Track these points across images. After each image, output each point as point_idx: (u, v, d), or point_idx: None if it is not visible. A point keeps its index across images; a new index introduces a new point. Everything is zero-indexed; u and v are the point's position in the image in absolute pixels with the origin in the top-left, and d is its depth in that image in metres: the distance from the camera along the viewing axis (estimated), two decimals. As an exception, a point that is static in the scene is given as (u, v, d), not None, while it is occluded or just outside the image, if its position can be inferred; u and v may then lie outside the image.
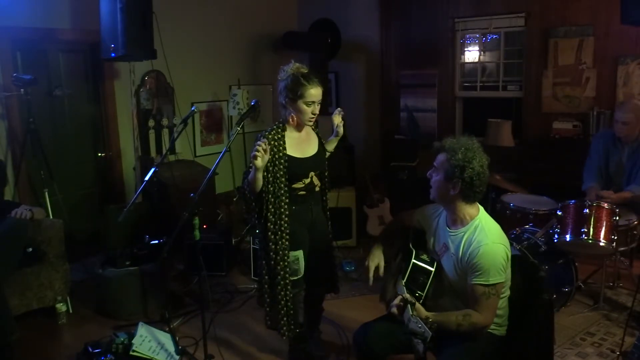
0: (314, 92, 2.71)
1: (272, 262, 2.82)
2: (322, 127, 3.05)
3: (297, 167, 2.78)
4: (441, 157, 2.22)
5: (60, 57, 4.62)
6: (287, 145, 2.77)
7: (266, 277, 2.87)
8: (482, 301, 2.12)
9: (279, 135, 2.76)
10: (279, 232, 2.78)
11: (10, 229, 3.32)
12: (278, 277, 2.82)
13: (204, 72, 5.59)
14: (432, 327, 1.97)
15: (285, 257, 2.80)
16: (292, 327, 2.89)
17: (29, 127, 3.98)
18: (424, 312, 2.13)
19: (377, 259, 2.54)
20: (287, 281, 2.82)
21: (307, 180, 2.83)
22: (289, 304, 2.85)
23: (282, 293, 2.83)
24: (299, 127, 2.83)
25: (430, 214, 2.44)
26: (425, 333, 1.95)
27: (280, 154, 2.74)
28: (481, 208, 2.28)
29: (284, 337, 2.92)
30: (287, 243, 2.80)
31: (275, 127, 2.80)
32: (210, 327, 2.95)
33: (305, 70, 2.75)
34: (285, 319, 2.85)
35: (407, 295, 2.15)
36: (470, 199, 2.21)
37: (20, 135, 4.19)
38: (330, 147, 3.03)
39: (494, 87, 5.71)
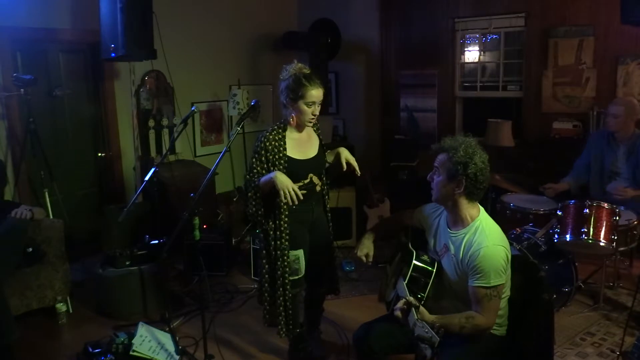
0: (315, 93, 2.71)
1: (272, 261, 2.82)
2: (320, 127, 3.05)
3: (297, 168, 2.78)
4: (442, 156, 2.22)
5: (60, 57, 4.61)
6: (287, 146, 2.77)
7: (266, 275, 2.88)
8: (484, 303, 2.12)
9: (280, 136, 2.77)
10: (279, 232, 2.79)
11: (11, 229, 3.32)
12: (277, 275, 2.82)
13: (204, 72, 5.59)
14: (440, 333, 1.95)
15: (285, 257, 2.80)
16: (291, 326, 2.89)
17: (29, 127, 3.98)
18: (428, 315, 2.12)
19: (366, 249, 2.59)
20: (287, 280, 2.82)
21: (306, 181, 2.83)
22: (288, 303, 2.85)
23: (280, 291, 2.83)
24: (299, 128, 2.83)
25: (430, 213, 2.44)
26: (432, 338, 1.94)
27: (280, 155, 2.74)
28: (482, 209, 2.27)
29: (281, 336, 2.92)
30: (286, 243, 2.80)
31: (276, 127, 2.80)
32: (210, 327, 2.96)
33: (307, 70, 2.75)
34: (283, 318, 2.86)
35: (411, 299, 2.14)
36: (474, 196, 2.20)
37: (20, 135, 4.19)
38: (329, 158, 2.99)
39: (494, 87, 5.71)
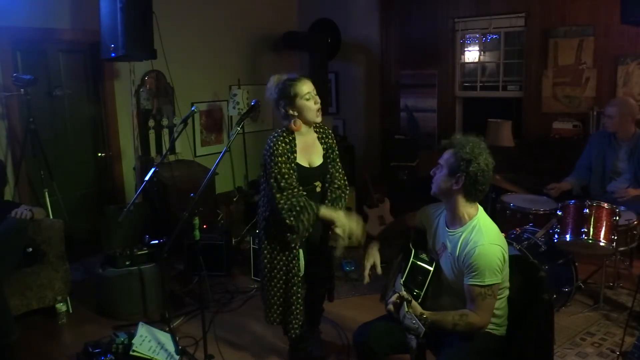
0: (306, 86, 2.71)
1: (282, 261, 2.83)
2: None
3: (304, 175, 2.75)
4: (447, 154, 2.23)
5: (60, 57, 4.61)
6: (297, 149, 2.74)
7: (279, 275, 2.86)
8: (478, 302, 2.13)
9: (289, 139, 2.73)
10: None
11: (11, 229, 3.32)
12: (291, 274, 2.83)
13: (204, 72, 5.59)
14: (426, 323, 1.97)
15: (298, 256, 2.82)
16: (299, 324, 2.90)
17: (29, 127, 3.98)
18: (419, 309, 2.13)
19: (372, 258, 2.56)
20: (298, 279, 2.84)
21: (309, 187, 2.83)
22: (300, 301, 2.87)
23: (293, 290, 2.84)
24: (303, 133, 2.79)
25: (431, 213, 2.44)
26: (419, 329, 1.96)
27: (292, 157, 2.72)
28: (480, 208, 2.27)
29: (293, 335, 2.92)
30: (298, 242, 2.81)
31: (281, 131, 2.76)
32: (210, 327, 2.95)
33: (286, 75, 2.76)
34: (295, 316, 2.88)
35: (404, 293, 2.15)
36: (471, 197, 2.21)
37: (20, 135, 4.19)
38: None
39: (494, 87, 5.71)
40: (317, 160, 2.83)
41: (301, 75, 2.76)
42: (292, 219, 2.63)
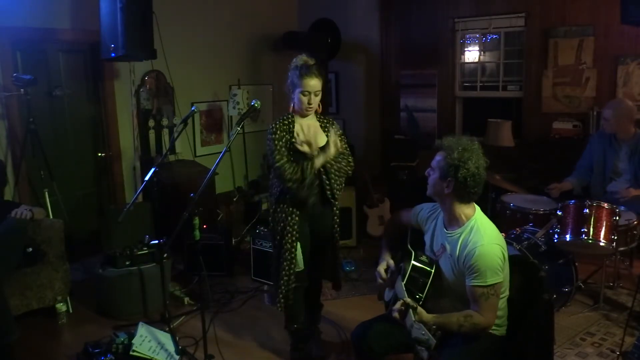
0: (310, 83, 2.80)
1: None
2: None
3: (299, 157, 2.82)
4: (438, 156, 2.24)
5: (60, 57, 4.61)
6: (295, 131, 2.86)
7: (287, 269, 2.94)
8: (482, 302, 2.13)
9: (288, 121, 2.87)
10: (289, 227, 2.88)
11: (11, 229, 3.33)
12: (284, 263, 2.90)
13: (204, 72, 5.58)
14: (437, 335, 1.95)
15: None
16: (288, 301, 2.96)
17: (29, 127, 3.98)
18: (425, 315, 2.12)
19: (384, 262, 2.53)
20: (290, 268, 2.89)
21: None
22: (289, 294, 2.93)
23: (284, 280, 2.91)
24: (303, 117, 2.91)
25: (428, 214, 2.44)
26: (429, 341, 1.94)
27: (288, 137, 2.84)
28: (477, 208, 2.27)
29: (279, 309, 3.00)
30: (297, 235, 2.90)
31: (285, 114, 2.91)
32: (210, 327, 2.96)
33: (311, 62, 2.86)
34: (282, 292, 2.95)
35: (409, 300, 2.14)
36: (464, 199, 2.21)
37: (20, 135, 4.19)
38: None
39: (494, 87, 5.71)
40: (321, 142, 2.91)
41: (316, 71, 2.84)
42: (288, 177, 2.78)
